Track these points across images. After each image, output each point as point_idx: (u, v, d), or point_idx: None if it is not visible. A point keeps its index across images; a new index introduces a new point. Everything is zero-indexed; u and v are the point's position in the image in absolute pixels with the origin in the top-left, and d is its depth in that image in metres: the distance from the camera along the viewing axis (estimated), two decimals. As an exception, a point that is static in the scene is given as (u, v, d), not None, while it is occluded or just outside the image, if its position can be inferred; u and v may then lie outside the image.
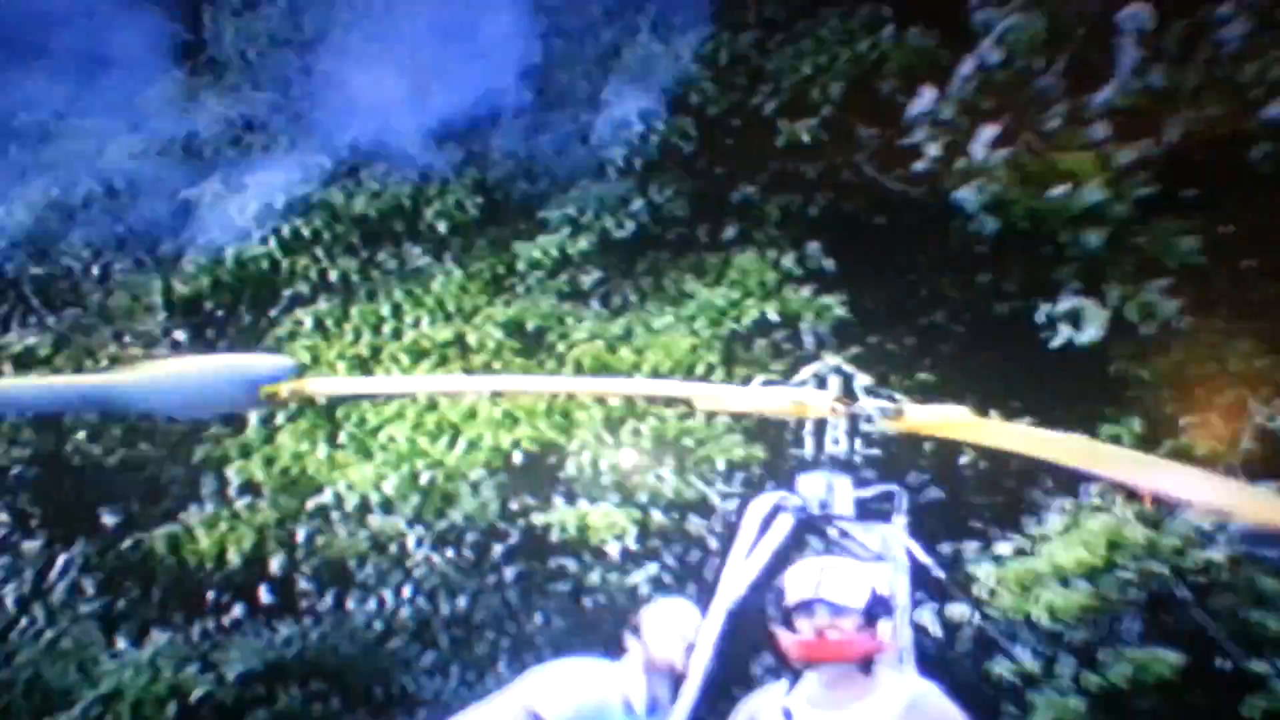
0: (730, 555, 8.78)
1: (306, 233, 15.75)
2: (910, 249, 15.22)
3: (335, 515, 15.81)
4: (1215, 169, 14.16)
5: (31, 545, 17.71)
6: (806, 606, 7.20)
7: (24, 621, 18.29)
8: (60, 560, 17.87)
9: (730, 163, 15.31)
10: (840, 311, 13.75)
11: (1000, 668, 13.30)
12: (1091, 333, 13.51)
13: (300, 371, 11.69)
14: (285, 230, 15.87)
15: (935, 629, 11.54)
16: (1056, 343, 13.58)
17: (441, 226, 15.80)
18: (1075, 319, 13.36)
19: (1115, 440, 12.95)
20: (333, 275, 15.69)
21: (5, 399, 12.12)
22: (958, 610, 12.24)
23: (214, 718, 15.97)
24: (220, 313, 16.87)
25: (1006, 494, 13.85)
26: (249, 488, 15.53)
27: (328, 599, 17.15)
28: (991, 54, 13.24)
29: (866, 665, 7.40)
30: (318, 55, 16.50)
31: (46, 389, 12.25)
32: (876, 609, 7.35)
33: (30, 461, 18.18)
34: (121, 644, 17.19)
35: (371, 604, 16.88)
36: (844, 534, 8.65)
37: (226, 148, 16.93)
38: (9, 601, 17.86)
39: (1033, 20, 13.33)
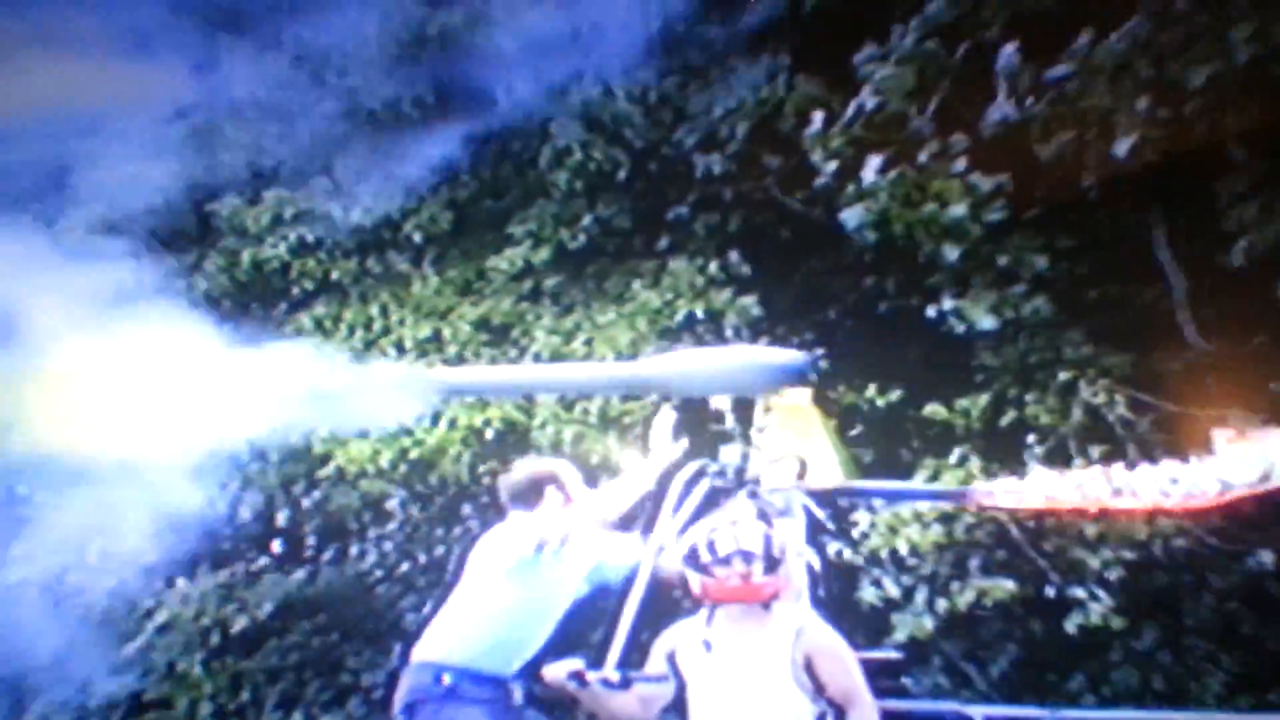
0: (660, 512, 9.80)
1: (311, 239, 17.65)
2: (810, 257, 17.20)
3: (333, 479, 17.24)
4: (1057, 193, 16.37)
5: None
6: (725, 558, 8.45)
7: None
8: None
9: (662, 186, 17.19)
10: (755, 310, 15.77)
11: (869, 595, 15.10)
12: (988, 324, 15.13)
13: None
14: (293, 236, 17.76)
15: (819, 567, 12.64)
16: (958, 331, 15.18)
17: (418, 238, 17.81)
18: (961, 315, 15.09)
19: (965, 413, 15.09)
20: (335, 274, 17.53)
21: (528, 385, 12.96)
22: (838, 549, 14.17)
23: (242, 646, 18.11)
24: (236, 308, 18.22)
25: (880, 451, 15.34)
26: (260, 455, 17.19)
27: (329, 550, 18.88)
28: (869, 100, 15.45)
29: (768, 603, 8.62)
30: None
31: (580, 372, 13.36)
32: (779, 557, 8.57)
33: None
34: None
35: (365, 554, 18.77)
36: (755, 494, 9.76)
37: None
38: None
39: (903, 73, 15.57)
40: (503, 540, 9.78)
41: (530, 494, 9.86)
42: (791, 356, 10.54)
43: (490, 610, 9.61)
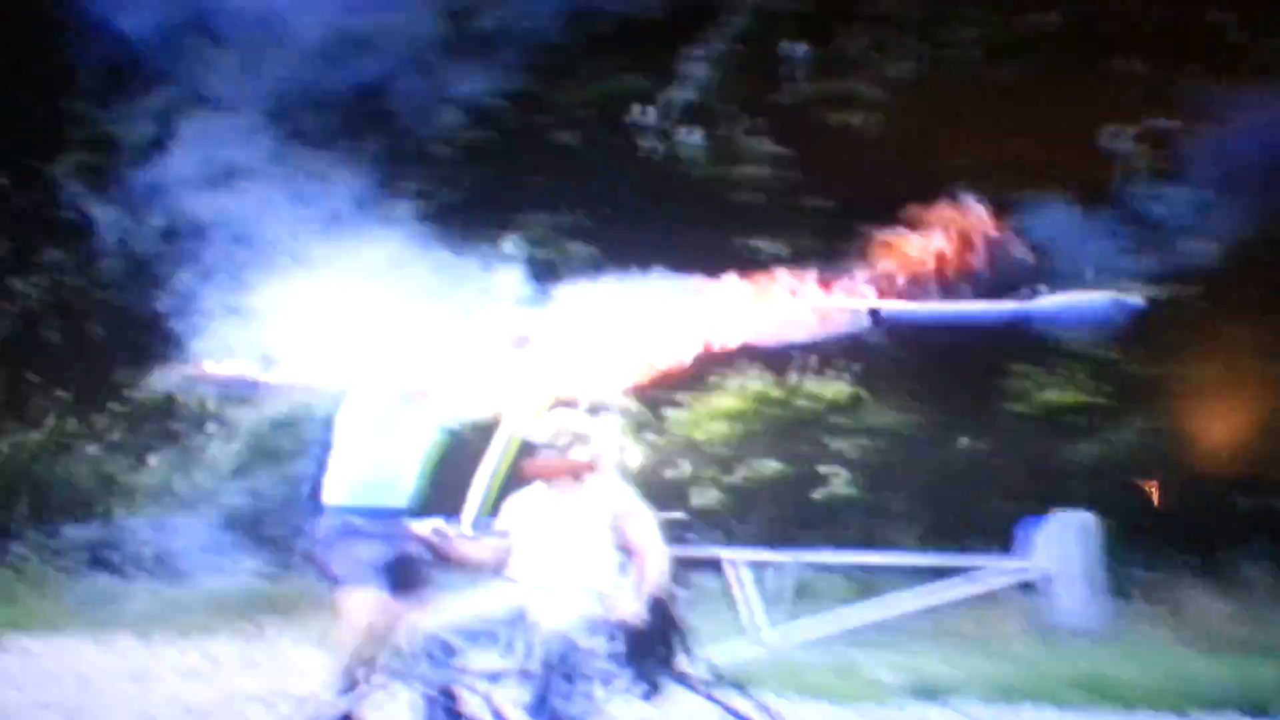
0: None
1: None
2: (643, 212, 18.09)
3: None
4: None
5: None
6: (549, 443, 8.92)
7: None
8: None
9: (527, 156, 18.32)
10: (595, 254, 16.79)
11: (672, 472, 16.65)
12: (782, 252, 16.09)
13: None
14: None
15: (635, 450, 12.97)
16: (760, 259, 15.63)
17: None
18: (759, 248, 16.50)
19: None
20: None
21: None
22: (650, 437, 15.86)
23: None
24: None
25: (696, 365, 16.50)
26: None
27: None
28: (689, 89, 17.21)
29: (583, 475, 8.96)
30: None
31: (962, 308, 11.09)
32: (593, 441, 9.00)
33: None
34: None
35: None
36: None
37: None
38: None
39: (711, 69, 17.27)
40: (369, 396, 9.50)
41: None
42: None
43: (371, 456, 9.38)
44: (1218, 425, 17.30)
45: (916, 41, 18.92)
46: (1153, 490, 18.44)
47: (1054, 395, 17.31)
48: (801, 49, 19.27)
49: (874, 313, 10.05)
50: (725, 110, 18.95)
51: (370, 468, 9.28)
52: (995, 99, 17.63)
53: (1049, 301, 9.53)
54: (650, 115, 18.61)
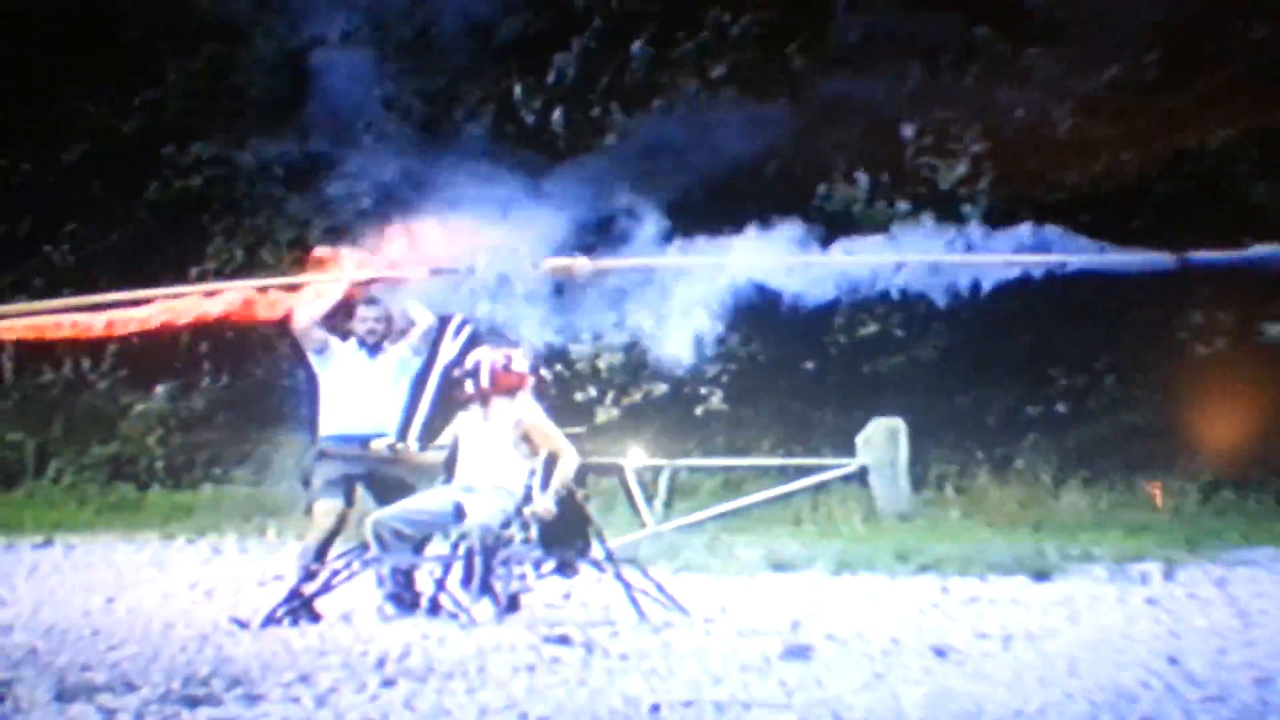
0: (443, 339, 10.17)
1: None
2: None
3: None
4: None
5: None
6: (477, 369, 9.40)
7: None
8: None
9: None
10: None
11: (580, 395, 17.39)
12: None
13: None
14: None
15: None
16: None
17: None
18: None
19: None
20: None
21: None
22: (559, 368, 16.47)
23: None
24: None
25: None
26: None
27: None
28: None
29: (512, 394, 9.50)
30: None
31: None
32: (515, 369, 9.50)
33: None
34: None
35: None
36: (499, 333, 10.22)
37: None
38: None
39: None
40: (331, 343, 9.94)
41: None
42: None
43: (338, 396, 9.87)
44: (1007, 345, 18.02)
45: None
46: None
47: (871, 328, 17.96)
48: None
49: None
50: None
51: (338, 401, 9.83)
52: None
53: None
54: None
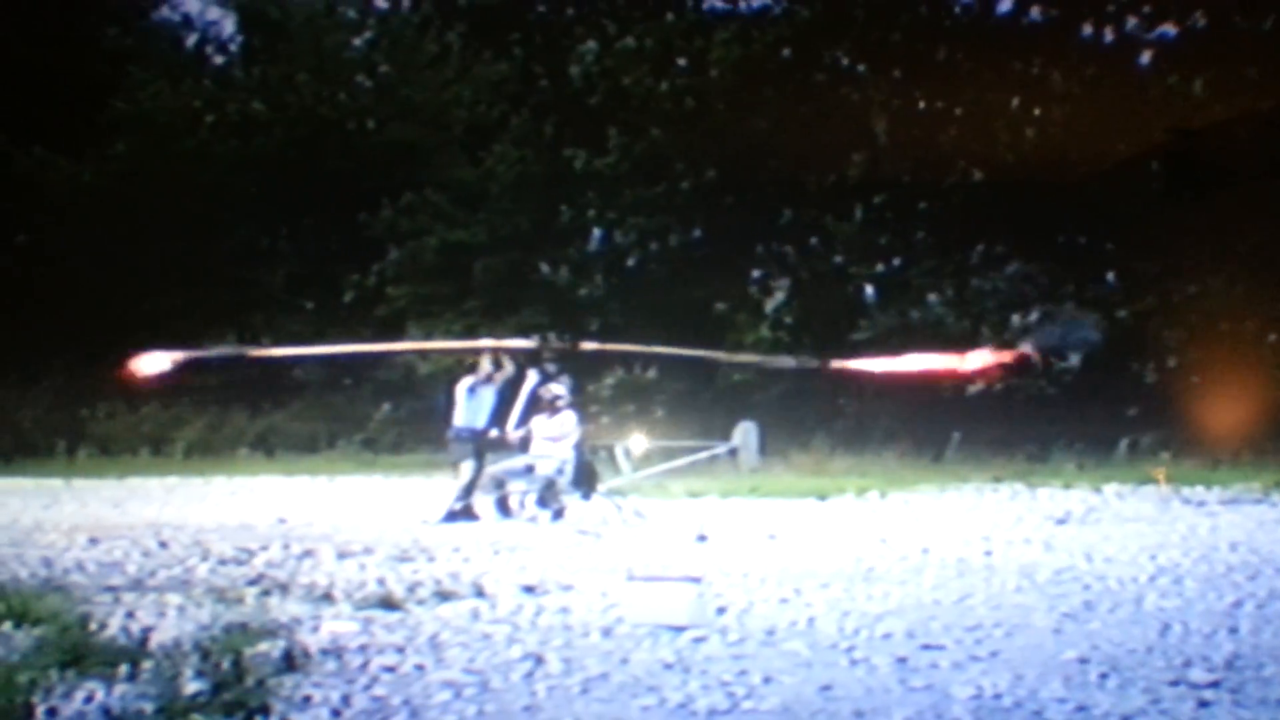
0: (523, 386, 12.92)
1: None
2: None
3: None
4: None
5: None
6: (541, 396, 12.49)
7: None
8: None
9: None
10: None
11: (594, 408, 19.79)
12: None
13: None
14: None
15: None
16: None
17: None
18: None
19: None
20: None
21: None
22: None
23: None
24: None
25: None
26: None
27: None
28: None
29: (559, 409, 12.68)
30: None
31: None
32: (564, 395, 12.76)
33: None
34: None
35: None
36: (548, 378, 13.29)
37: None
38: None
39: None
40: (465, 380, 13.47)
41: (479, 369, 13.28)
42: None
43: (467, 407, 13.33)
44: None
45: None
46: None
47: (739, 375, 21.38)
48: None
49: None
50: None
51: (467, 410, 13.36)
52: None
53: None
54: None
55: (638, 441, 13.44)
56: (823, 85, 22.64)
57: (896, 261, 21.65)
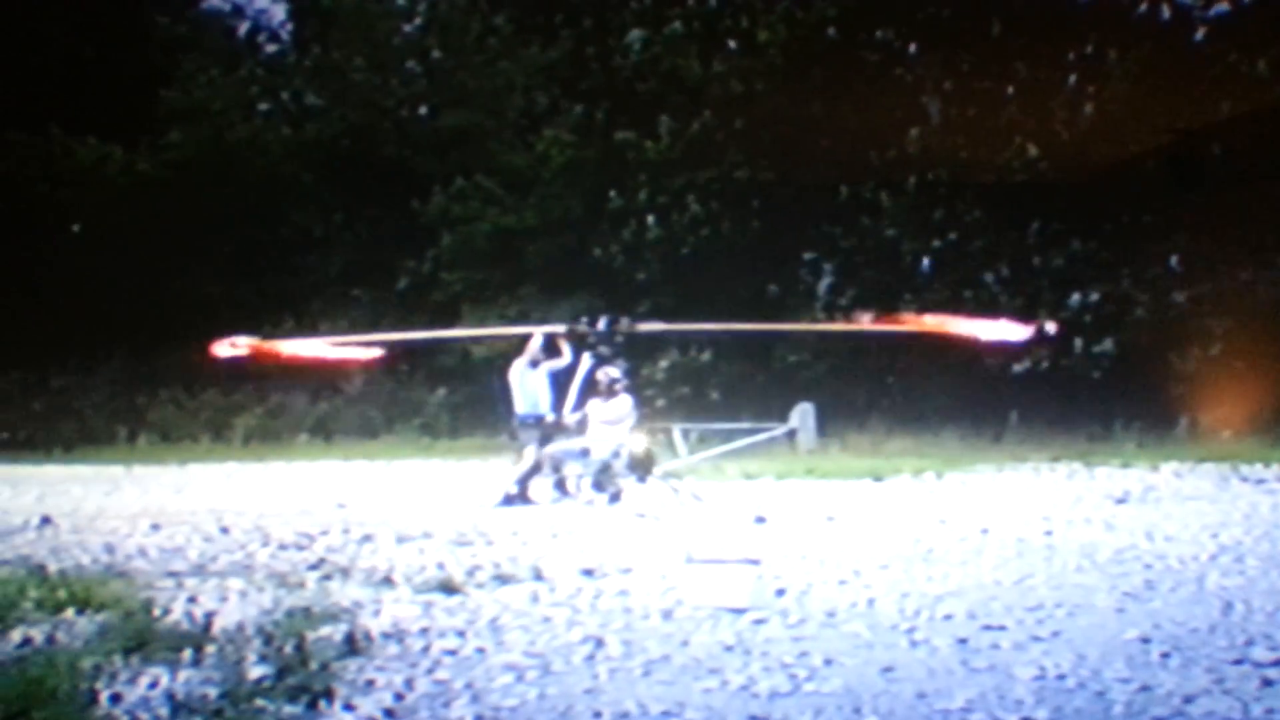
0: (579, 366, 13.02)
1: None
2: None
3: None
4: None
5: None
6: (598, 379, 12.43)
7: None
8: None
9: None
10: None
11: (649, 391, 19.14)
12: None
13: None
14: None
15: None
16: None
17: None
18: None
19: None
20: None
21: None
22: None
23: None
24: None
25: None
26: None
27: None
28: None
29: (615, 392, 12.67)
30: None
31: None
32: (620, 379, 12.72)
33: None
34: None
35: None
36: (603, 360, 13.28)
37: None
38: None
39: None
40: (517, 363, 13.47)
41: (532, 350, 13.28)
42: None
43: (526, 393, 13.46)
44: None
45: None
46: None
47: (794, 356, 21.86)
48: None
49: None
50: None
51: (526, 396, 13.53)
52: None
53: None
54: None
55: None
56: (873, 65, 22.36)
57: (952, 236, 21.47)
